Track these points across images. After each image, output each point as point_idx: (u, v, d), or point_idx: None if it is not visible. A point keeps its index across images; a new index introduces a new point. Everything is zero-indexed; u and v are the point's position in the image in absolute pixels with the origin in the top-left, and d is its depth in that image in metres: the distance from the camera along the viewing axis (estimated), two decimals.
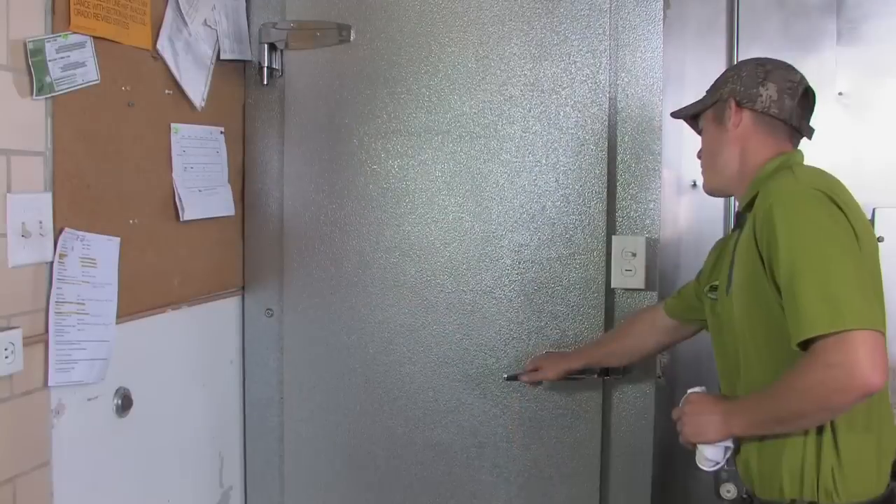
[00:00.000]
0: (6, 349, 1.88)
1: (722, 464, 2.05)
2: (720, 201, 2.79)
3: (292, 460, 2.95)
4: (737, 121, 2.12)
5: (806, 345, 1.76)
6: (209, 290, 2.77)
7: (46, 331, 2.07)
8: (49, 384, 2.08)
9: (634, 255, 2.65)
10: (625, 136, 2.68)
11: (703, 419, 2.02)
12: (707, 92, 2.24)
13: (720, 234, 2.76)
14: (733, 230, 2.20)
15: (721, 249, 2.26)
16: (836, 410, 1.82)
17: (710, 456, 2.04)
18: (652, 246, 2.66)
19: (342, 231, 2.85)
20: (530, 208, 2.74)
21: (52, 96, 2.06)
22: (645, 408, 2.71)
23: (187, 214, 2.58)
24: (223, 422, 2.90)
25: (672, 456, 2.78)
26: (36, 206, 2.03)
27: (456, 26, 2.75)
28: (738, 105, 2.12)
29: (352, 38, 2.80)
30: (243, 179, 2.94)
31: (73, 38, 2.11)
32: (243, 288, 2.97)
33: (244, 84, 2.92)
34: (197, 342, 2.73)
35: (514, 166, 2.75)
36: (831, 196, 1.87)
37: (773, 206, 1.88)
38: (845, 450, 1.91)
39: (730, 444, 2.02)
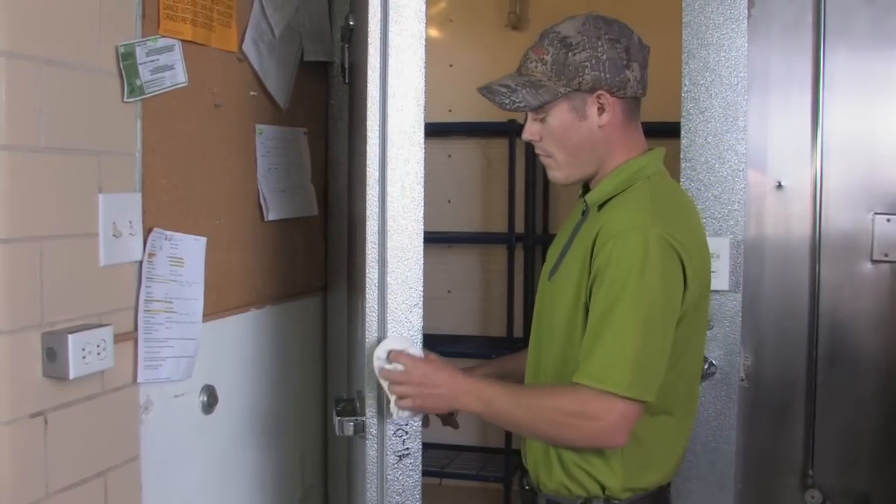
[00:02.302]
0: (98, 346, 1.93)
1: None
2: (808, 201, 2.74)
3: None
4: (613, 114, 1.94)
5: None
6: (292, 290, 2.80)
7: (136, 328, 2.12)
8: (138, 381, 2.13)
9: (718, 256, 2.61)
10: (707, 135, 2.65)
11: (441, 395, 1.91)
12: (546, 76, 1.93)
13: (808, 234, 2.70)
14: (581, 212, 2.07)
15: (565, 229, 2.12)
16: (574, 446, 1.92)
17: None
18: (736, 247, 2.62)
19: None
20: None
21: (142, 99, 2.11)
22: (728, 412, 2.67)
23: (271, 214, 2.61)
24: (305, 420, 2.93)
25: (758, 461, 2.74)
26: (126, 206, 2.07)
27: None
28: (611, 95, 1.92)
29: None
30: (326, 179, 2.97)
31: (163, 42, 2.16)
32: (325, 287, 3.00)
33: (327, 84, 2.95)
34: (280, 341, 2.76)
35: None
36: (675, 245, 1.83)
37: (616, 243, 1.83)
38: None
39: None
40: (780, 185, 2.82)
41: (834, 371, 2.64)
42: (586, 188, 2.07)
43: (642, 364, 1.80)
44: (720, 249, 2.61)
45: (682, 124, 2.70)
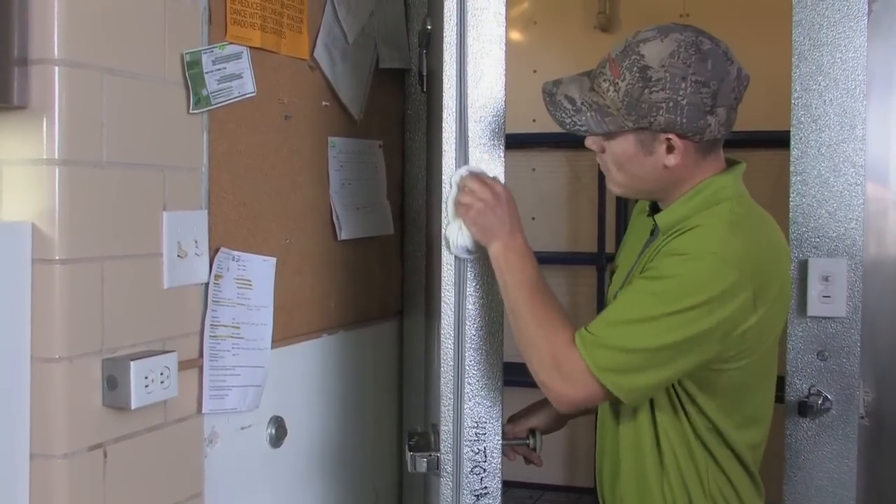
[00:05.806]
0: (161, 374, 1.93)
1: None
2: None
3: None
4: (684, 157, 1.87)
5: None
6: (366, 314, 2.80)
7: (201, 355, 2.12)
8: (203, 411, 2.13)
9: (833, 280, 2.55)
10: (821, 146, 2.58)
11: (493, 223, 1.94)
12: (615, 106, 1.87)
13: None
14: (650, 230, 2.04)
15: (630, 246, 2.12)
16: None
17: (471, 248, 1.99)
18: (854, 270, 2.55)
19: None
20: None
21: (209, 110, 2.12)
22: (846, 453, 2.59)
23: (344, 233, 2.61)
24: (379, 454, 2.92)
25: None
26: (192, 225, 2.08)
27: None
28: (681, 137, 1.85)
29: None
30: (402, 195, 2.96)
31: (230, 49, 2.17)
32: (401, 311, 2.99)
33: (403, 93, 2.95)
34: (353, 369, 2.75)
35: None
36: (742, 274, 1.81)
37: (683, 261, 1.83)
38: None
39: None
40: None
41: None
42: (655, 205, 2.03)
43: (634, 366, 1.82)
44: (835, 272, 2.54)
45: (791, 134, 2.63)
